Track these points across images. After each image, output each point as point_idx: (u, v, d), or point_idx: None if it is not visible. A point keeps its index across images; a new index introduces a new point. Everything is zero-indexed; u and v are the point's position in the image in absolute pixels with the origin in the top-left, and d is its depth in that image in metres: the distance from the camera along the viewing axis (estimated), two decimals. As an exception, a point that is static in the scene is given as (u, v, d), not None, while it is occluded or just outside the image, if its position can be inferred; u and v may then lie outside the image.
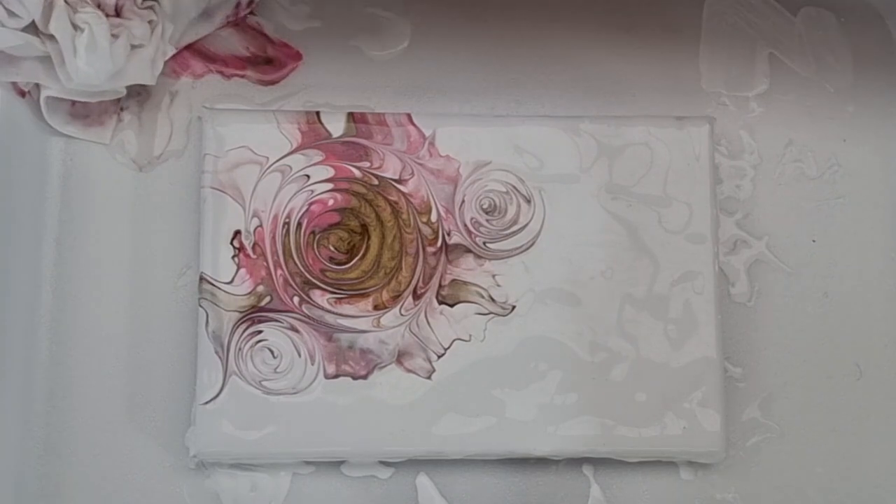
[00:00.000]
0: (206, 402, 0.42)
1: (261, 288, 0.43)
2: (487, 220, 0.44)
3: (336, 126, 0.44)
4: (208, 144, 0.44)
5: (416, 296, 0.43)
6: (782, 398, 0.46)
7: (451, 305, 0.43)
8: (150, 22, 0.44)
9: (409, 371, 0.43)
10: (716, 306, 0.44)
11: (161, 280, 0.46)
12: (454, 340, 0.43)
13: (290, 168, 0.44)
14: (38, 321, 0.45)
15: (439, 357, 0.43)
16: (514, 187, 0.44)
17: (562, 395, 0.43)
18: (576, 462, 0.45)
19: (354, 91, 0.47)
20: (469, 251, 0.44)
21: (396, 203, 0.44)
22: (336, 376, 0.43)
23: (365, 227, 0.44)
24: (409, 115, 0.45)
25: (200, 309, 0.43)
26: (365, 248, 0.44)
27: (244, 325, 0.43)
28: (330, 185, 0.44)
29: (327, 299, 0.43)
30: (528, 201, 0.44)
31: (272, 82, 0.47)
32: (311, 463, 0.45)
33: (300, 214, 0.44)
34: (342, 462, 0.45)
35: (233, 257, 0.43)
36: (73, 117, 0.46)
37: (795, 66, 0.49)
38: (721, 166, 0.48)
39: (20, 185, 0.45)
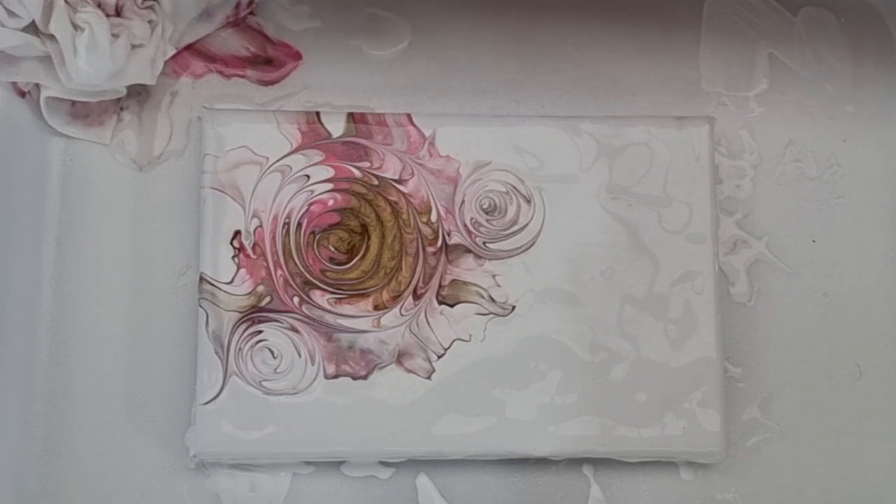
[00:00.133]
0: (206, 403, 0.42)
1: (261, 288, 0.43)
2: (487, 221, 0.44)
3: (336, 126, 0.44)
4: (208, 144, 0.44)
5: (416, 296, 0.43)
6: (782, 398, 0.46)
7: (451, 305, 0.43)
8: (150, 22, 0.44)
9: (409, 371, 0.43)
10: (716, 306, 0.44)
11: (161, 280, 0.46)
12: (454, 340, 0.43)
13: (290, 168, 0.44)
14: (38, 321, 0.45)
15: (439, 357, 0.43)
16: (514, 187, 0.44)
17: (562, 395, 0.43)
18: (576, 462, 0.45)
19: (354, 91, 0.47)
20: (469, 251, 0.44)
21: (396, 203, 0.44)
22: (336, 376, 0.43)
23: (365, 228, 0.44)
24: (409, 116, 0.45)
25: (200, 309, 0.43)
26: (365, 249, 0.44)
27: (244, 326, 0.43)
28: (330, 186, 0.44)
29: (327, 299, 0.43)
30: (528, 201, 0.44)
31: (272, 82, 0.47)
32: (311, 463, 0.45)
33: (300, 214, 0.44)
34: (342, 462, 0.45)
35: (233, 257, 0.43)
36: (73, 117, 0.46)
37: (795, 66, 0.49)
38: (721, 166, 0.48)
39: (20, 185, 0.45)
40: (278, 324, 0.43)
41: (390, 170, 0.44)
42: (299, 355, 0.43)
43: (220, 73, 0.47)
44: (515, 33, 0.48)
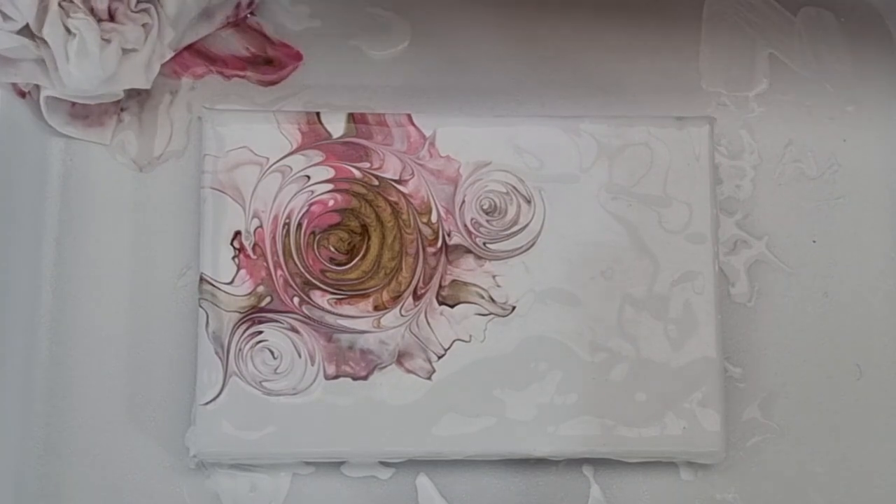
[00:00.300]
0: (207, 403, 0.42)
1: (261, 288, 0.43)
2: (488, 221, 0.44)
3: (336, 126, 0.44)
4: (208, 145, 0.44)
5: (417, 296, 0.43)
6: (782, 398, 0.46)
7: (452, 306, 0.43)
8: (144, 25, 0.44)
9: (410, 371, 0.43)
10: (716, 306, 0.44)
11: (161, 280, 0.46)
12: (454, 341, 0.43)
13: (291, 168, 0.44)
14: (38, 321, 0.45)
15: (439, 357, 0.43)
16: (514, 187, 0.44)
17: (562, 395, 0.43)
18: (576, 462, 0.45)
19: (354, 91, 0.47)
20: (469, 252, 0.44)
21: (396, 203, 0.44)
22: (336, 377, 0.43)
23: (365, 228, 0.44)
24: (409, 116, 0.45)
25: (200, 309, 0.43)
26: (365, 249, 0.44)
27: (244, 326, 0.43)
28: (330, 186, 0.44)
29: (327, 300, 0.43)
30: (529, 201, 0.44)
31: (272, 83, 0.47)
32: (311, 463, 0.45)
33: (300, 215, 0.44)
34: (342, 462, 0.45)
35: (233, 258, 0.43)
36: (73, 118, 0.46)
37: (795, 66, 0.49)
38: (721, 166, 0.48)
39: (20, 185, 0.45)
40: (278, 324, 0.43)
41: (390, 170, 0.44)
42: (299, 356, 0.43)
43: (221, 73, 0.47)
44: (516, 33, 0.48)
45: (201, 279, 0.43)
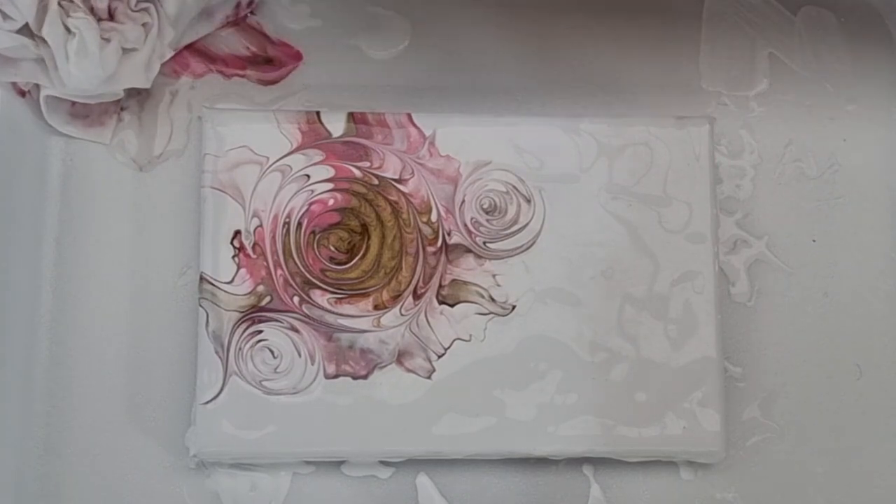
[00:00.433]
0: (206, 402, 0.42)
1: (261, 288, 0.43)
2: (488, 220, 0.44)
3: (336, 126, 0.44)
4: (208, 144, 0.44)
5: (417, 296, 0.43)
6: (782, 398, 0.46)
7: (452, 305, 0.43)
8: (144, 25, 0.44)
9: (410, 371, 0.43)
10: (716, 306, 0.44)
11: (161, 280, 0.46)
12: (454, 340, 0.43)
13: (291, 168, 0.44)
14: (38, 321, 0.45)
15: (439, 357, 0.43)
16: (514, 187, 0.44)
17: (562, 395, 0.43)
18: (576, 462, 0.45)
19: (354, 91, 0.47)
20: (469, 251, 0.44)
21: (396, 203, 0.44)
22: (336, 376, 0.43)
23: (365, 227, 0.44)
24: (409, 115, 0.45)
25: (200, 309, 0.43)
26: (365, 248, 0.44)
27: (244, 325, 0.43)
28: (330, 185, 0.44)
29: (327, 299, 0.43)
30: (529, 201, 0.44)
31: (272, 82, 0.47)
32: (311, 463, 0.45)
33: (300, 214, 0.44)
34: (342, 462, 0.45)
35: (233, 257, 0.43)
36: (73, 117, 0.46)
37: (795, 65, 0.49)
38: (721, 166, 0.48)
39: (20, 185, 0.45)
40: (278, 323, 0.43)
41: (390, 169, 0.44)
42: (299, 355, 0.43)
43: (221, 72, 0.47)
44: (516, 33, 0.48)
45: (201, 278, 0.43)
